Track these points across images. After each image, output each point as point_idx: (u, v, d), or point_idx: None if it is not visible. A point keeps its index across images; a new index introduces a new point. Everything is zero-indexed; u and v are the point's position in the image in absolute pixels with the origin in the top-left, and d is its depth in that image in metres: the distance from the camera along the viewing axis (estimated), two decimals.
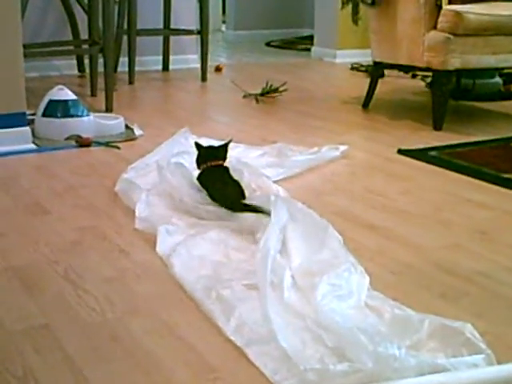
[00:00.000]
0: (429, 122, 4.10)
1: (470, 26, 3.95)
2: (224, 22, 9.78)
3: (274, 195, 2.55)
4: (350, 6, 4.70)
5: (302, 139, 3.79)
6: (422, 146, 3.66)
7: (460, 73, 4.19)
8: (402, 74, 5.58)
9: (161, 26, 5.96)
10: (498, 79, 4.83)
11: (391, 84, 5.48)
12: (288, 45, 8.40)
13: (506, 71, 4.83)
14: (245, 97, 4.96)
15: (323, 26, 7.14)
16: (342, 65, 6.66)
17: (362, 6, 4.66)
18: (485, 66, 4.16)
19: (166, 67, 6.16)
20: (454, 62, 3.99)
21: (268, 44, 8.54)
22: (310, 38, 7.73)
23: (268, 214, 2.38)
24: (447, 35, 3.94)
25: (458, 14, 3.91)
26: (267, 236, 2.19)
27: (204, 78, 5.73)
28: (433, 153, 3.55)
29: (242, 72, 6.49)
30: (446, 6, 4.02)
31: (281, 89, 5.01)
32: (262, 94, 4.93)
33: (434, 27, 4.01)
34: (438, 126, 4.06)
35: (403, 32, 4.18)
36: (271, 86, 5.00)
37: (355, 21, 4.67)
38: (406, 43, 4.19)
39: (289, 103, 4.84)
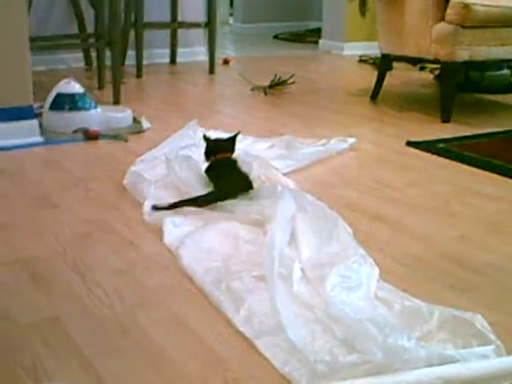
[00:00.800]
0: (437, 115, 4.10)
1: (478, 18, 3.93)
2: (231, 14, 9.77)
3: (281, 186, 2.55)
4: None
5: (311, 131, 3.79)
6: (430, 138, 3.65)
7: (468, 65, 4.17)
8: (410, 66, 5.57)
9: (168, 18, 5.96)
10: (506, 71, 4.81)
11: (399, 76, 5.47)
12: (296, 37, 8.39)
13: None
14: (253, 89, 4.96)
15: (331, 19, 7.13)
16: (350, 57, 6.66)
17: None
18: (493, 58, 4.14)
19: (173, 60, 6.16)
20: (462, 54, 3.98)
21: (276, 37, 8.52)
22: (318, 30, 7.72)
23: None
24: (455, 27, 3.93)
25: (466, 5, 3.90)
26: (274, 228, 2.18)
27: (212, 71, 5.73)
28: (441, 145, 3.54)
29: (249, 65, 6.48)
30: None
31: (289, 81, 5.00)
32: (270, 87, 4.93)
33: (442, 19, 3.99)
34: (446, 118, 4.05)
35: (411, 24, 4.17)
36: (279, 78, 5.00)
37: (363, 13, 4.65)
38: (413, 35, 4.17)
39: (297, 95, 4.83)
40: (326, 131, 3.78)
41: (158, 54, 6.10)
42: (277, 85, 4.96)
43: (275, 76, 5.01)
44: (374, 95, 4.64)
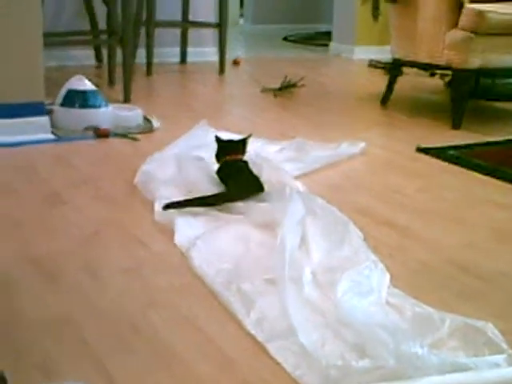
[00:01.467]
0: (447, 121, 4.09)
1: (492, 26, 3.92)
2: (242, 15, 9.77)
3: (289, 188, 2.54)
4: (370, 2, 4.68)
5: (321, 135, 3.78)
6: (440, 145, 3.64)
7: (480, 72, 4.16)
8: (420, 72, 5.55)
9: (179, 17, 5.95)
10: None
11: (409, 82, 5.44)
12: (306, 40, 8.37)
13: None
14: (263, 91, 4.95)
15: (342, 22, 7.12)
16: (360, 61, 6.64)
17: (382, 2, 4.62)
18: (505, 66, 4.13)
19: (183, 59, 6.15)
20: (475, 61, 3.97)
21: (285, 38, 8.51)
22: (328, 33, 7.70)
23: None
24: (468, 34, 3.92)
25: (479, 12, 3.89)
26: (284, 231, 2.18)
27: (222, 72, 5.73)
28: (452, 151, 3.53)
29: (259, 66, 6.49)
30: (467, 5, 4.00)
31: (298, 84, 5.00)
32: (280, 89, 4.92)
33: (455, 25, 3.98)
34: (456, 125, 4.04)
35: (424, 29, 4.17)
36: (289, 80, 4.99)
37: (375, 16, 4.63)
38: (426, 41, 4.17)
39: (307, 98, 4.83)
40: (336, 135, 3.77)
41: (168, 53, 6.09)
42: (286, 87, 4.96)
43: (285, 78, 5.01)
44: (385, 100, 4.63)
